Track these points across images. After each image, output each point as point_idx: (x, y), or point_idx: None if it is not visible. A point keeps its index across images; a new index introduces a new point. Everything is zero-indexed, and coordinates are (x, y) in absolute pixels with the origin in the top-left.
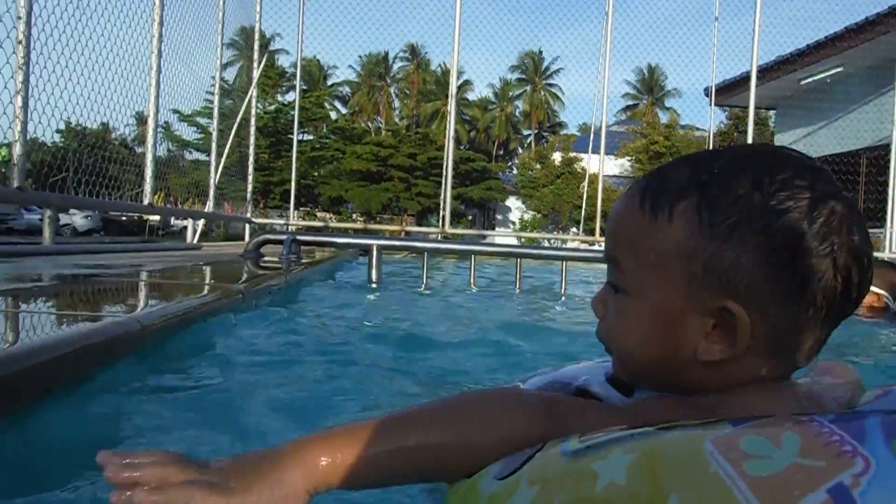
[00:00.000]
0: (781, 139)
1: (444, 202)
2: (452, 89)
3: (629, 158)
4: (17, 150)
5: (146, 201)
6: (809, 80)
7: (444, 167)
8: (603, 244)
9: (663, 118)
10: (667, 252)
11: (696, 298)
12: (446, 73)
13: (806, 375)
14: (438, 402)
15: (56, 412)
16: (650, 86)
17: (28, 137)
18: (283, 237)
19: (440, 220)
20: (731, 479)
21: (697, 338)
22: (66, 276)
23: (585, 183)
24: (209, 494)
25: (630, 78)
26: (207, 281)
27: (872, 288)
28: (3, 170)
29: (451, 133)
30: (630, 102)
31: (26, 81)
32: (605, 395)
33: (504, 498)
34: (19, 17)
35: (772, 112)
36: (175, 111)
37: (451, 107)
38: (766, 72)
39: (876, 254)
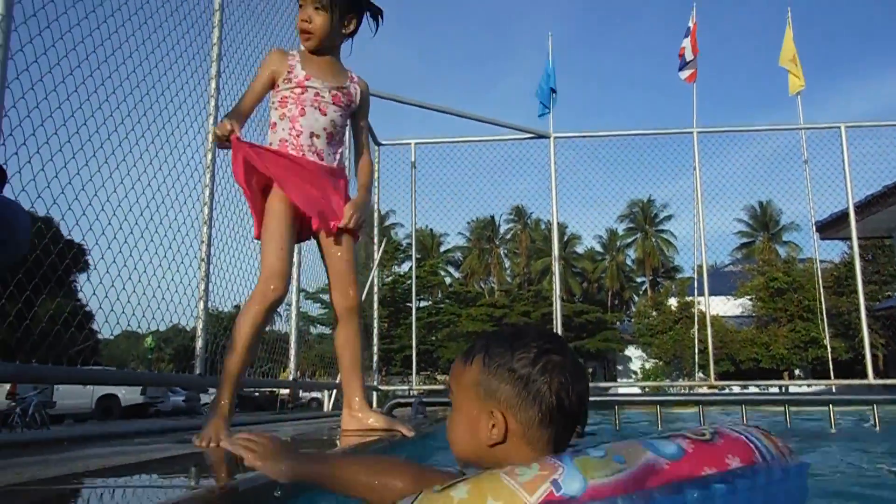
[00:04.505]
0: None
1: None
2: (555, 252)
3: (749, 297)
4: (200, 343)
5: (290, 377)
6: None
7: (555, 323)
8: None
9: (782, 252)
10: (469, 382)
11: (482, 407)
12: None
13: None
14: (376, 459)
15: None
16: (765, 222)
17: (170, 324)
18: (411, 400)
19: None
20: (514, 486)
21: (486, 431)
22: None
23: (696, 328)
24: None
25: (742, 216)
26: (364, 440)
27: None
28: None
29: (557, 291)
30: (745, 240)
31: (206, 290)
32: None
33: None
34: (203, 241)
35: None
36: (301, 290)
37: (556, 267)
38: (867, 206)
39: None
